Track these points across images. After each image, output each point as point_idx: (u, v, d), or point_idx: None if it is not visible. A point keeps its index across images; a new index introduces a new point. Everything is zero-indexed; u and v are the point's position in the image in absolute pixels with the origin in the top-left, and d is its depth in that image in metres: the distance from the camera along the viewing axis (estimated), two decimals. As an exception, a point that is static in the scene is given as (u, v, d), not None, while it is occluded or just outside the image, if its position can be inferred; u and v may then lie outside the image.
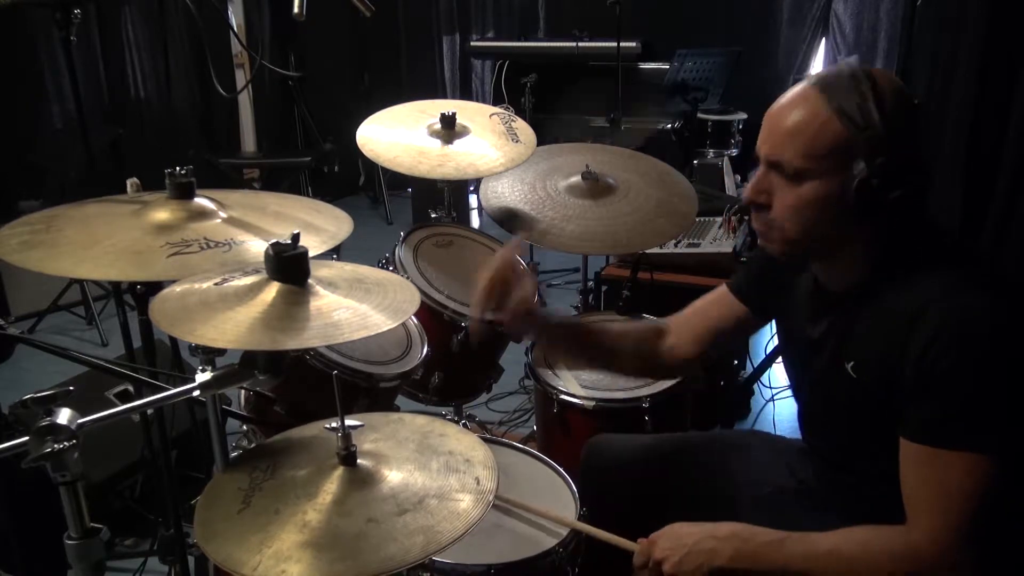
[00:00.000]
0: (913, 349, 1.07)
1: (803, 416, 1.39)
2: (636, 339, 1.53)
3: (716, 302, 1.49)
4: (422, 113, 2.13)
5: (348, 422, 1.08)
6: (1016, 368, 1.04)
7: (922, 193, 1.12)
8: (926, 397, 1.07)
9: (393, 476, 1.09)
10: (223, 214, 1.30)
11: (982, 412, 1.04)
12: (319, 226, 1.33)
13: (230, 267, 1.15)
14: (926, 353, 1.05)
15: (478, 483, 1.10)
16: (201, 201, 1.30)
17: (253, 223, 1.30)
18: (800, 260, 1.27)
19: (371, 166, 5.34)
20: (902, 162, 1.07)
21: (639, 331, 1.56)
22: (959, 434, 1.05)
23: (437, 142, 2.04)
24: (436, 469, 1.12)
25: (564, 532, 1.42)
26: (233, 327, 1.02)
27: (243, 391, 1.66)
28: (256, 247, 1.22)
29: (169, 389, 1.14)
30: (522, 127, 2.14)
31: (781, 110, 1.13)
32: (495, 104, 4.23)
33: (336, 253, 1.32)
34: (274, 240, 1.10)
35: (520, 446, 1.71)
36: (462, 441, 1.19)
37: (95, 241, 1.18)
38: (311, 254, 1.14)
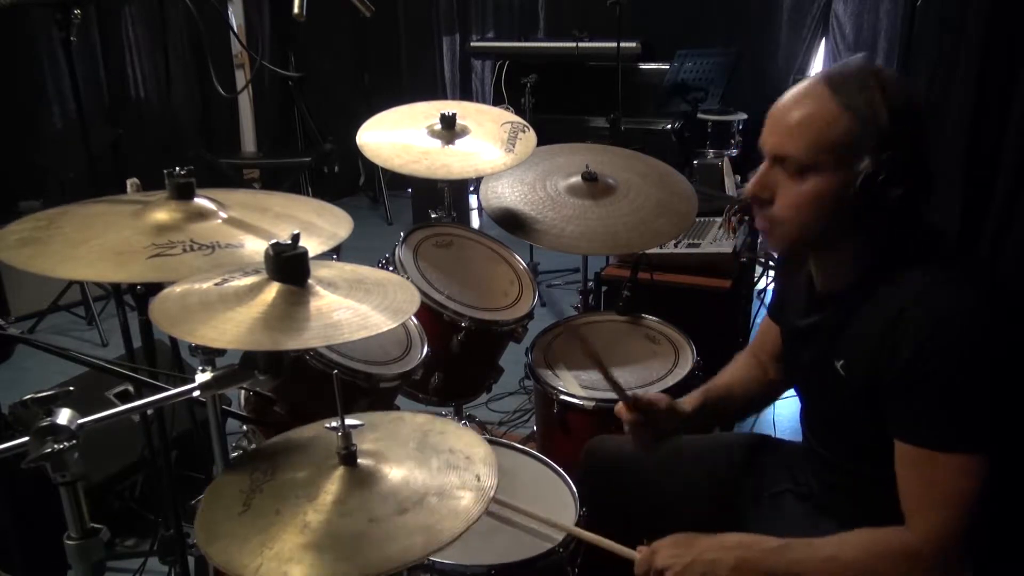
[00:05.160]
0: (901, 349, 1.07)
1: (803, 414, 1.39)
2: (749, 385, 1.55)
3: (766, 330, 1.52)
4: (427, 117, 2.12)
5: (348, 421, 1.08)
6: (1003, 366, 1.05)
7: (924, 192, 1.12)
8: (917, 398, 1.07)
9: (393, 475, 1.09)
10: (223, 214, 1.29)
11: (973, 413, 1.05)
12: (319, 225, 1.33)
13: (208, 271, 1.14)
14: (914, 353, 1.05)
15: (478, 480, 1.10)
16: (200, 202, 1.30)
17: (252, 223, 1.30)
18: (800, 256, 1.28)
19: (371, 166, 5.34)
20: (906, 160, 1.07)
21: (748, 376, 1.56)
22: (953, 436, 1.05)
23: (437, 142, 2.04)
24: (436, 467, 1.12)
25: (564, 533, 1.42)
26: (233, 327, 1.02)
27: (243, 391, 1.66)
28: (241, 251, 1.22)
29: (169, 389, 1.14)
30: (527, 137, 2.13)
31: (788, 104, 1.13)
32: (495, 104, 4.23)
33: (336, 253, 1.32)
34: (274, 240, 1.10)
35: (520, 446, 1.71)
36: (462, 438, 1.19)
37: (85, 240, 1.18)
38: (312, 253, 1.14)
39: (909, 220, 1.14)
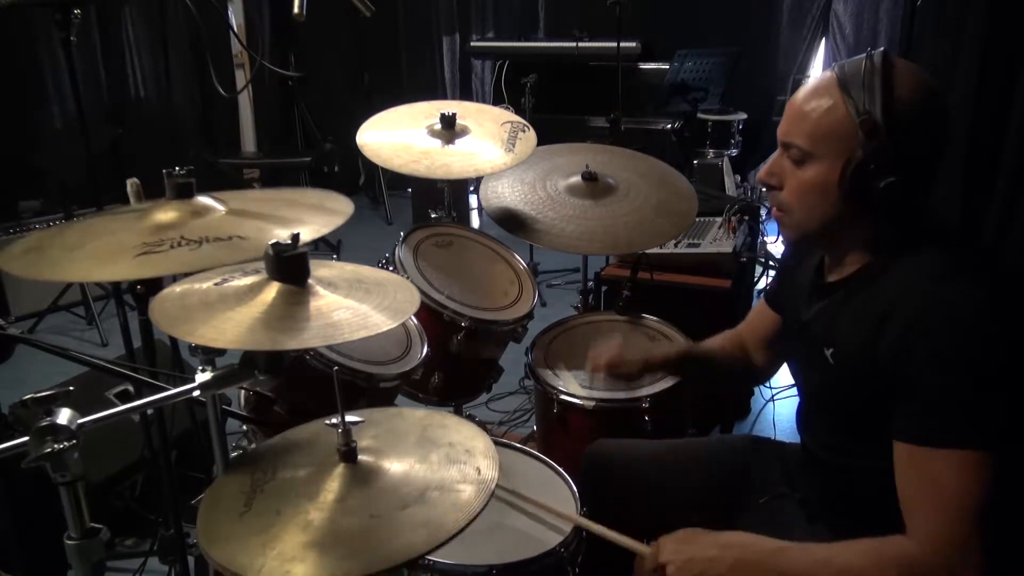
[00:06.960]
0: (889, 337, 1.06)
1: (799, 411, 1.39)
2: (731, 361, 1.64)
3: (759, 314, 1.55)
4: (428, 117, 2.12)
5: (348, 418, 1.08)
6: (1000, 359, 1.02)
7: (921, 185, 1.12)
8: (907, 392, 1.05)
9: (394, 470, 1.09)
10: (220, 209, 1.28)
11: (966, 406, 1.01)
12: (317, 208, 1.31)
13: (193, 267, 1.13)
14: (902, 343, 1.04)
15: (479, 473, 1.10)
16: (200, 199, 1.28)
17: (247, 212, 1.27)
18: (810, 246, 1.31)
19: (371, 166, 5.35)
20: (897, 154, 1.08)
21: (732, 352, 1.64)
22: (945, 431, 1.02)
23: (437, 142, 2.04)
24: (437, 461, 1.12)
25: (566, 531, 1.41)
26: (233, 327, 1.02)
27: (243, 391, 1.66)
28: (229, 244, 1.19)
29: (169, 389, 1.14)
30: (527, 137, 2.13)
31: (801, 93, 1.17)
32: (495, 104, 4.23)
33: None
34: (274, 240, 1.10)
35: (520, 446, 1.71)
36: (461, 431, 1.19)
37: (81, 244, 1.16)
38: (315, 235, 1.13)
39: (910, 212, 1.14)
